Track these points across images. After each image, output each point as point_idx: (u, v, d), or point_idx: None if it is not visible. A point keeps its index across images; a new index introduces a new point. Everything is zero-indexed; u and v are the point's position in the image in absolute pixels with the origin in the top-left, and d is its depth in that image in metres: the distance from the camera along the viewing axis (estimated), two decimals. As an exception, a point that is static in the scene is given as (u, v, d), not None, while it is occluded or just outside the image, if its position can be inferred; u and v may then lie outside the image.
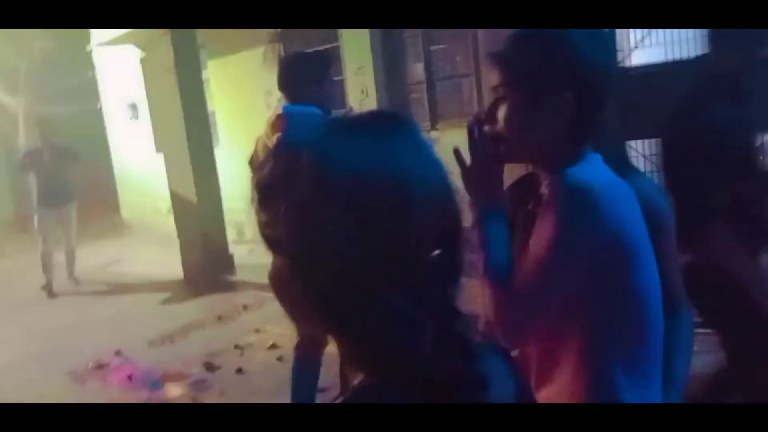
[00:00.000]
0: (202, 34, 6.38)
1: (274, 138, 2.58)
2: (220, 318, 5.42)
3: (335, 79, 3.00)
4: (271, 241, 0.88)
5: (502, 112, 1.24)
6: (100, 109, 9.79)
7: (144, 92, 8.79)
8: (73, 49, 9.53)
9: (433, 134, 5.85)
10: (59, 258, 6.95)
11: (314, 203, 0.79)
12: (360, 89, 6.32)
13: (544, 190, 1.28)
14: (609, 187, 1.19)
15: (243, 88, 7.41)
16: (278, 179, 0.88)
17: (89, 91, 9.72)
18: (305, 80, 2.75)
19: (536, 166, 1.31)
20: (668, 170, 2.03)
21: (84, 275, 7.21)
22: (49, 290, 6.82)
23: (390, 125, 0.86)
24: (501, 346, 1.00)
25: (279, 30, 6.95)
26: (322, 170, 0.80)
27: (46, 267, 6.83)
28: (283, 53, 6.94)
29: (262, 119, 7.13)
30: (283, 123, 2.62)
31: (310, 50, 3.19)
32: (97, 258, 8.14)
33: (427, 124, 6.03)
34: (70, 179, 6.75)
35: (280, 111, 2.72)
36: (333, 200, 0.79)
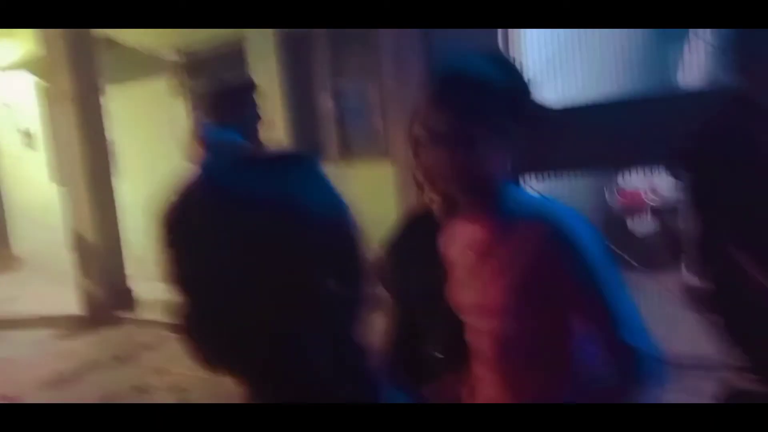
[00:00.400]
0: (103, 62, 6.18)
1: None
2: (119, 358, 5.19)
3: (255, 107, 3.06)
4: (176, 277, 0.87)
5: (440, 160, 1.20)
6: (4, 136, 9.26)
7: (39, 120, 8.42)
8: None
9: (341, 168, 5.89)
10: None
11: (217, 237, 0.79)
12: (267, 120, 6.29)
13: (484, 230, 1.26)
14: (567, 209, 1.23)
15: (146, 118, 7.22)
16: (186, 214, 0.87)
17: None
18: (234, 105, 2.79)
19: (475, 207, 1.26)
20: (695, 190, 2.03)
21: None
22: None
23: (292, 163, 0.89)
24: (400, 378, 1.01)
25: (183, 60, 6.85)
26: (227, 205, 0.81)
27: None
28: (189, 82, 6.84)
29: (166, 149, 6.99)
30: (201, 153, 2.60)
31: (236, 77, 3.25)
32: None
33: (335, 157, 6.07)
34: None
35: (200, 133, 2.71)
36: (236, 233, 0.80)
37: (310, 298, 0.83)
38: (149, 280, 6.94)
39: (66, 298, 6.50)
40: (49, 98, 6.32)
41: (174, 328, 0.87)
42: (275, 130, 6.27)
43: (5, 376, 4.92)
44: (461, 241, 1.32)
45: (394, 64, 5.64)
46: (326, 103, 6.20)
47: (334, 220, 0.87)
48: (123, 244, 6.27)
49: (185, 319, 0.92)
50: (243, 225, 0.81)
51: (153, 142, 7.16)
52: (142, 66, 6.98)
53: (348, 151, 6.13)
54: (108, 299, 6.07)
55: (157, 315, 5.75)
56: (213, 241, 0.83)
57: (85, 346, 5.63)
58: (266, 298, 0.82)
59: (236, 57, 6.43)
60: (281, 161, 0.88)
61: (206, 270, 0.84)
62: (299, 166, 0.89)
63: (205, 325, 0.88)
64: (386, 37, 5.57)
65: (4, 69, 8.37)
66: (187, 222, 0.91)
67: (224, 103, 2.90)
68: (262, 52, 6.29)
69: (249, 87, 3.09)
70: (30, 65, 7.71)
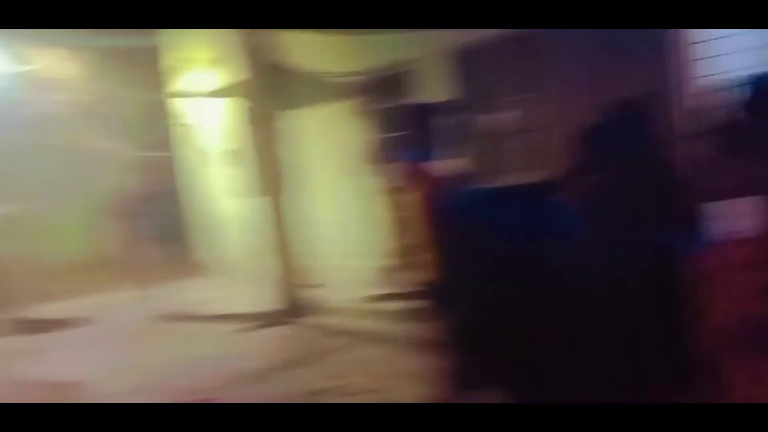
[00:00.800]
0: (293, 87, 6.68)
1: (421, 193, 2.74)
2: (296, 361, 5.40)
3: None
4: (447, 297, 0.95)
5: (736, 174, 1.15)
6: (194, 154, 10.27)
7: (234, 139, 9.23)
8: (172, 99, 10.08)
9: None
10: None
11: (482, 263, 0.86)
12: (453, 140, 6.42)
13: None
14: None
15: (330, 137, 7.65)
16: (454, 241, 0.96)
17: (184, 137, 10.23)
18: (430, 128, 2.97)
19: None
20: None
21: (174, 311, 7.50)
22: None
23: (538, 194, 0.93)
24: None
25: (365, 83, 7.20)
26: (486, 234, 0.87)
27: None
28: (370, 105, 7.18)
29: (348, 167, 7.34)
30: (433, 180, 2.74)
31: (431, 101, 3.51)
32: (184, 295, 8.47)
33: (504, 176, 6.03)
34: (174, 220, 7.17)
35: (409, 160, 2.89)
36: (494, 259, 0.85)
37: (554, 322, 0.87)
38: (330, 287, 7.35)
39: (248, 301, 7.02)
40: (248, 119, 6.91)
41: (433, 343, 0.94)
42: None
43: (194, 372, 5.37)
44: (736, 263, 1.23)
45: (562, 83, 5.53)
46: (498, 121, 6.20)
47: (574, 243, 0.90)
48: (308, 252, 6.63)
49: (452, 337, 1.00)
50: (498, 252, 0.87)
51: (339, 159, 7.57)
52: (328, 89, 7.43)
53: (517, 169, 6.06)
54: (290, 304, 6.43)
55: (336, 321, 6.05)
56: (478, 267, 0.90)
57: (266, 348, 5.94)
58: (520, 322, 0.87)
59: (410, 77, 6.67)
60: (527, 192, 0.93)
61: (473, 293, 0.91)
62: (544, 197, 0.93)
63: (468, 346, 0.94)
64: (556, 54, 5.47)
65: (209, 94, 9.28)
66: (457, 247, 0.99)
67: (420, 125, 3.05)
68: (435, 72, 6.45)
69: (441, 108, 3.24)
70: (232, 90, 8.49)
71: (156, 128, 10.18)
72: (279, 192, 6.41)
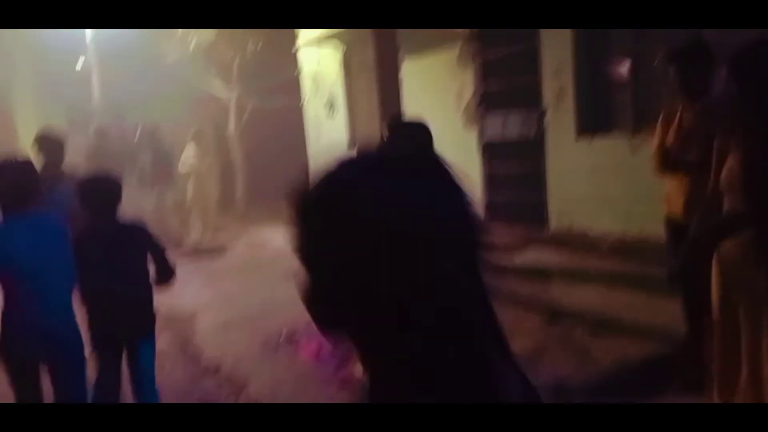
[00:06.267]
0: (400, 35, 6.58)
1: None
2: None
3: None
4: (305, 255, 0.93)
5: None
6: (302, 106, 10.51)
7: (342, 90, 9.35)
8: (281, 48, 10.30)
9: (634, 142, 5.53)
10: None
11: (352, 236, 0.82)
12: (556, 91, 6.17)
13: None
14: None
15: (435, 89, 7.55)
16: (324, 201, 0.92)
17: (293, 88, 10.46)
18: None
19: None
20: None
21: (275, 254, 7.87)
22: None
23: (424, 167, 0.89)
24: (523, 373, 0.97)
25: (475, 30, 6.99)
26: (359, 206, 0.83)
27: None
28: (478, 53, 6.98)
29: (452, 120, 7.23)
30: None
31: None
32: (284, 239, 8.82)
33: (628, 127, 5.73)
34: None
35: None
36: (366, 234, 0.82)
37: (426, 277, 0.83)
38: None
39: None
40: (351, 68, 6.94)
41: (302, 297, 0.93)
42: (565, 99, 6.14)
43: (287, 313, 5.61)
44: None
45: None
46: (622, 71, 5.83)
47: (459, 223, 0.85)
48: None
49: (308, 291, 0.99)
50: (371, 224, 0.83)
51: (441, 112, 7.49)
52: (435, 36, 7.29)
53: (646, 122, 5.72)
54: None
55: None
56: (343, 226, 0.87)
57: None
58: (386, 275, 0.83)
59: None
60: (410, 163, 0.88)
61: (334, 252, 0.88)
62: (428, 168, 0.88)
63: (324, 295, 0.92)
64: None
65: (313, 43, 9.40)
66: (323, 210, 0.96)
67: None
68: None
69: None
70: (335, 37, 8.54)
71: (275, 78, 10.44)
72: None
